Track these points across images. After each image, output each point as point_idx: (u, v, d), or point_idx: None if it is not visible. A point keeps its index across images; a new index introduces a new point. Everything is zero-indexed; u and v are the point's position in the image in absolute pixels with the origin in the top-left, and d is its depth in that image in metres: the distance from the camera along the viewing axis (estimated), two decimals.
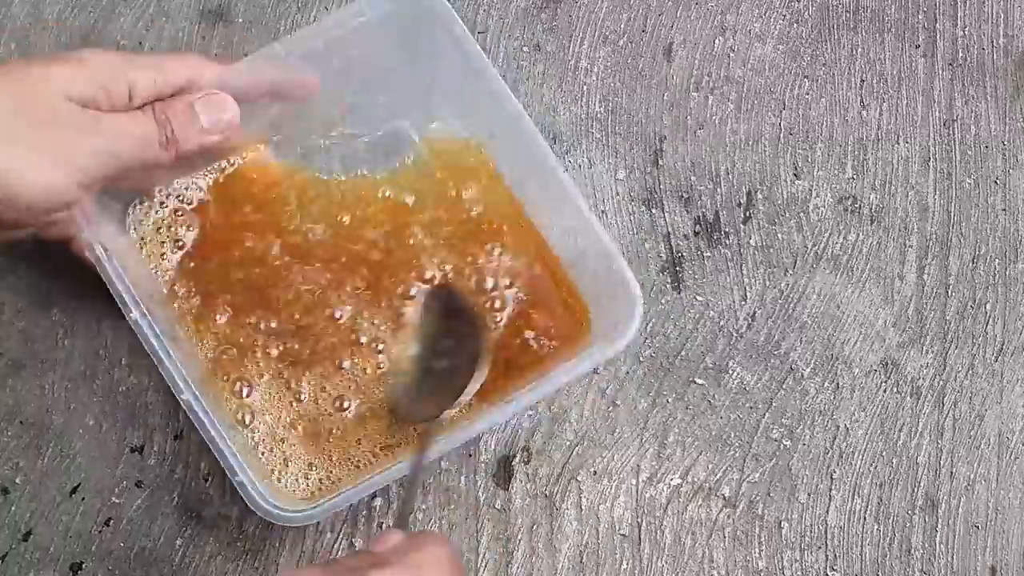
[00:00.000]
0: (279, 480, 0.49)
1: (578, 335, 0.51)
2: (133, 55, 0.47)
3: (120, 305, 0.46)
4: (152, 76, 0.45)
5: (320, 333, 0.51)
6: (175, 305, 0.51)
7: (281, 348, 0.51)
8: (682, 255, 0.57)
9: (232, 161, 0.53)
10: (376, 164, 0.54)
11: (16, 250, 0.54)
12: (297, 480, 0.50)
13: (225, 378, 0.50)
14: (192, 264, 0.52)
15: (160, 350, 0.45)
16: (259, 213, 0.53)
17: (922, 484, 0.55)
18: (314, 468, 0.50)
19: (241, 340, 0.51)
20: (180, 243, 0.52)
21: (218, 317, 0.51)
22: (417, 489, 0.52)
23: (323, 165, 0.54)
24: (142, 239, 0.51)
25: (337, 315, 0.52)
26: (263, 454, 0.50)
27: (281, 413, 0.51)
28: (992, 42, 0.60)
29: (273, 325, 0.51)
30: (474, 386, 0.47)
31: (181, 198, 0.52)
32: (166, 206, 0.52)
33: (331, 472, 0.50)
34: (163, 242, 0.52)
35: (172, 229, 0.52)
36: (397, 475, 0.46)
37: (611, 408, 0.54)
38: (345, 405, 0.51)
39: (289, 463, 0.50)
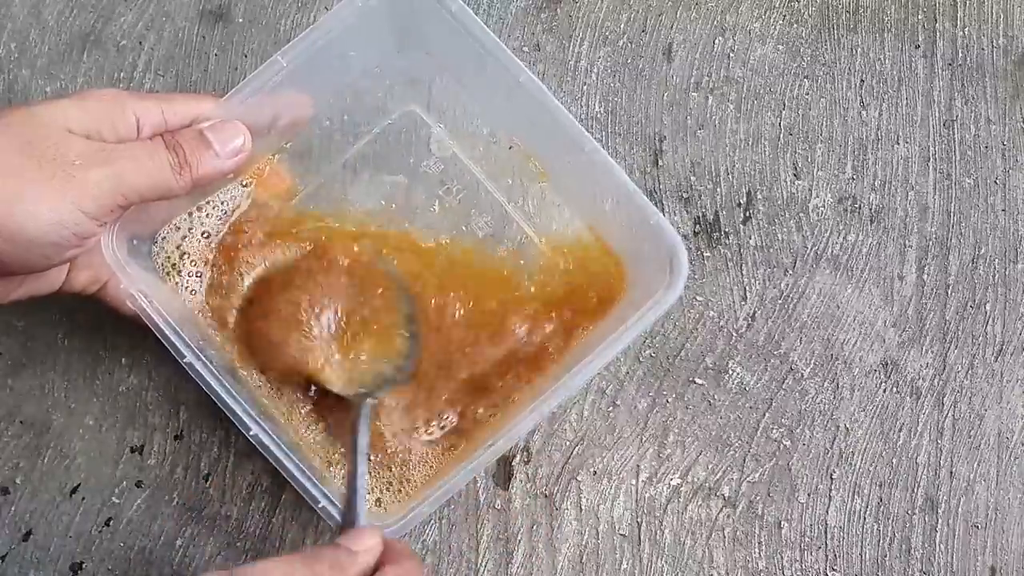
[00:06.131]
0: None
1: (616, 298, 0.51)
2: (137, 91, 0.47)
3: (171, 350, 0.45)
4: (158, 107, 0.44)
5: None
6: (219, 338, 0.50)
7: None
8: None
9: (250, 183, 0.52)
10: (391, 153, 0.55)
11: None
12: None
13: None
14: (220, 299, 0.51)
15: (220, 389, 0.45)
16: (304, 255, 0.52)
17: (922, 484, 0.55)
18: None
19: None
20: (201, 274, 0.51)
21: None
22: (361, 475, 0.45)
23: (342, 168, 0.54)
24: (167, 272, 0.50)
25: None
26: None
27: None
28: (992, 42, 0.60)
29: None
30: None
31: (205, 232, 0.51)
32: (192, 234, 0.51)
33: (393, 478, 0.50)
34: (189, 274, 0.51)
35: (196, 262, 0.51)
36: (492, 456, 0.45)
37: (611, 408, 0.54)
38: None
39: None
